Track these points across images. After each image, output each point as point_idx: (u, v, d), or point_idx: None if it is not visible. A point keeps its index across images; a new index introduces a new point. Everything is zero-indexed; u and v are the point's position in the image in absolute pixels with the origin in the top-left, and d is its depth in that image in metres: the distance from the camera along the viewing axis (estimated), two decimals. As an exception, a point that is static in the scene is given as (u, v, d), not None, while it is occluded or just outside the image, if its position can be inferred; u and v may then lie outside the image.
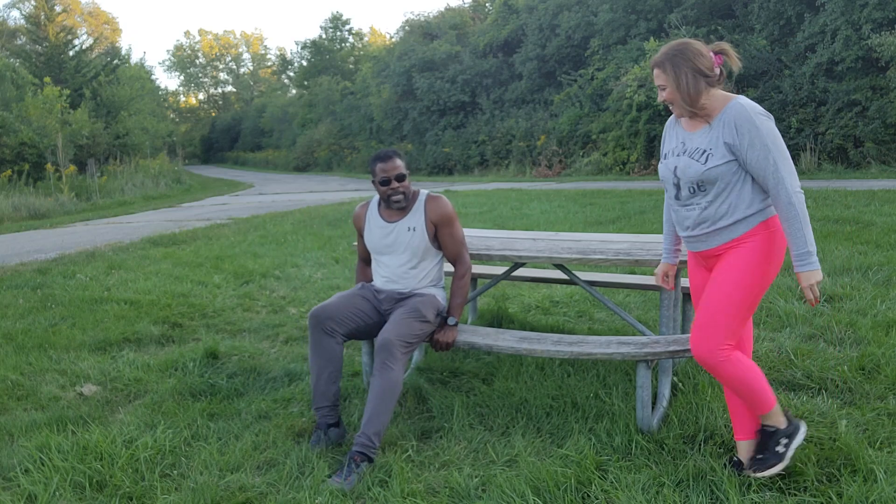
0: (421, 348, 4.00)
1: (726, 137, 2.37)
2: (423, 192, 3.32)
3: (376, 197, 3.37)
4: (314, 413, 3.05)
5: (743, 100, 2.38)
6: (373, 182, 3.23)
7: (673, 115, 2.62)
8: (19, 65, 24.72)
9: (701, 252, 2.55)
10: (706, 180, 2.40)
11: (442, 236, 3.28)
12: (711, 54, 2.42)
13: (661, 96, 2.46)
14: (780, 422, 2.52)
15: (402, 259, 3.25)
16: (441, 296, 3.34)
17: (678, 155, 2.49)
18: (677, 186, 2.50)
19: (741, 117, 2.34)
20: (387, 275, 3.29)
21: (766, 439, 2.51)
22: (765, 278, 2.42)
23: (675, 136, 2.56)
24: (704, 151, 2.40)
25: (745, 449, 2.60)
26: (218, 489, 2.61)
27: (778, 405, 2.53)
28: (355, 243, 3.66)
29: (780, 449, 2.48)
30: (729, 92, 2.47)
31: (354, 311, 3.18)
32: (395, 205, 3.20)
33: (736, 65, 2.43)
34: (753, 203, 2.41)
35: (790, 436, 2.50)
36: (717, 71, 2.42)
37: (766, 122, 2.35)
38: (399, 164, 3.17)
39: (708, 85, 2.40)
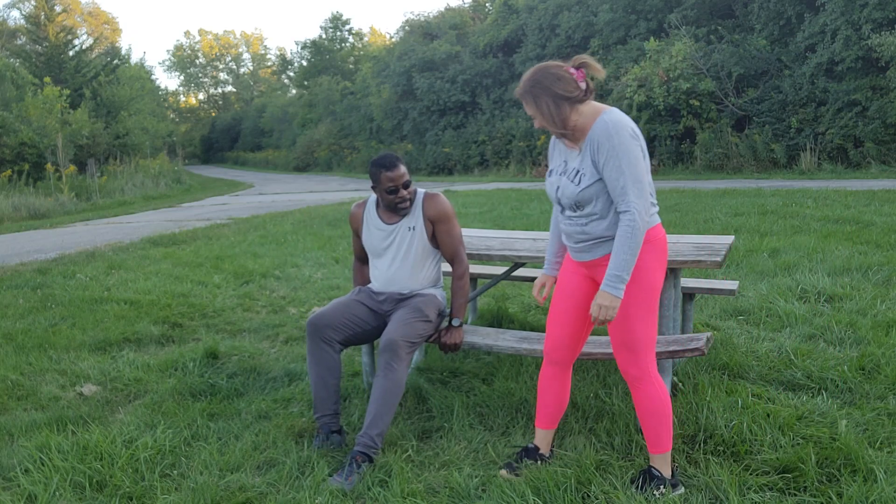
0: (421, 349, 4.00)
1: (593, 156, 2.37)
2: (421, 191, 3.29)
3: (373, 197, 3.33)
4: (315, 421, 3.06)
5: (608, 115, 2.36)
6: (374, 188, 3.17)
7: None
8: (19, 65, 24.72)
9: (582, 262, 2.58)
10: (582, 200, 2.41)
11: (439, 234, 3.26)
12: (572, 71, 2.36)
13: (535, 124, 2.45)
14: (666, 471, 2.50)
15: (400, 260, 3.23)
16: (441, 295, 3.32)
17: (560, 174, 2.51)
18: (560, 204, 2.53)
19: (603, 134, 2.33)
20: (386, 276, 3.27)
21: (648, 481, 2.48)
22: (655, 286, 2.44)
23: (560, 153, 2.57)
24: (578, 172, 2.42)
25: (543, 437, 2.76)
26: (218, 489, 2.61)
27: (670, 455, 2.53)
28: None
29: (657, 493, 2.44)
30: (599, 105, 2.42)
31: (352, 318, 3.15)
32: (402, 211, 3.20)
33: (600, 74, 2.40)
34: None
35: (672, 486, 2.48)
36: (583, 86, 2.37)
37: (625, 140, 2.31)
38: (404, 170, 3.14)
39: (574, 104, 2.37)
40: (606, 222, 2.42)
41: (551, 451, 2.80)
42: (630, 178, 2.31)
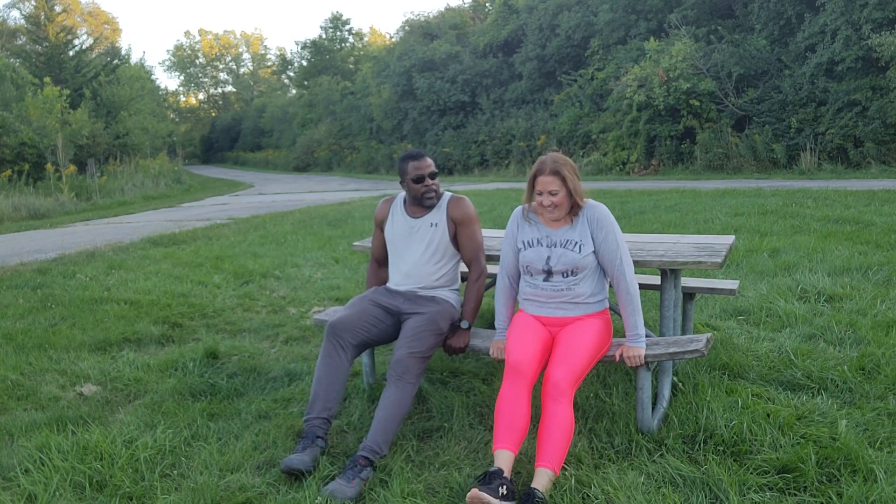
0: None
1: (590, 231, 2.87)
2: (447, 193, 3.38)
3: (402, 194, 3.42)
4: (304, 423, 2.95)
5: (594, 202, 2.91)
6: (401, 182, 3.29)
7: (520, 210, 3.03)
8: (19, 65, 24.71)
9: (553, 318, 2.90)
10: (580, 266, 2.85)
11: (461, 236, 3.30)
12: None
13: (550, 200, 2.80)
14: (546, 495, 2.41)
15: (421, 253, 3.28)
16: (456, 301, 3.35)
17: (549, 246, 2.89)
18: (548, 272, 2.88)
19: (603, 216, 2.87)
20: (405, 270, 3.30)
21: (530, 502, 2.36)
22: (602, 349, 2.86)
23: (534, 230, 2.95)
24: (577, 243, 2.86)
25: (505, 459, 2.49)
26: (218, 489, 2.61)
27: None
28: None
29: None
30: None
31: (370, 320, 3.18)
32: (427, 202, 3.26)
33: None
34: (604, 290, 2.96)
35: None
36: None
37: (616, 224, 2.90)
38: (430, 162, 3.25)
39: None
40: (591, 283, 2.88)
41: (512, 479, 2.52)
42: (625, 253, 2.86)
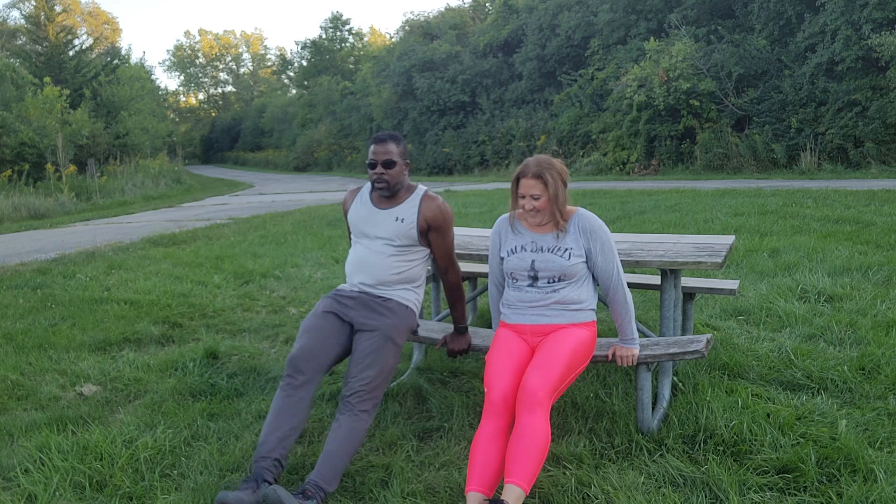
0: (420, 348, 4.00)
1: (582, 240, 2.78)
2: (422, 189, 3.06)
3: (369, 183, 3.11)
4: (252, 462, 2.60)
5: (584, 210, 2.84)
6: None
7: (505, 218, 2.93)
8: (19, 65, 24.69)
9: (536, 325, 2.76)
10: (568, 273, 2.75)
11: (433, 239, 3.02)
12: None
13: (532, 205, 2.71)
14: None
15: (380, 244, 2.98)
16: (417, 301, 3.07)
17: (533, 251, 2.79)
18: (533, 277, 2.78)
19: (595, 226, 2.79)
20: (361, 259, 3.00)
21: None
22: (584, 362, 2.72)
23: (519, 235, 2.86)
24: (566, 249, 2.76)
25: (475, 502, 2.34)
26: (218, 489, 2.61)
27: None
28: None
29: None
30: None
31: (330, 344, 2.86)
32: (378, 191, 2.98)
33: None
34: (593, 300, 2.86)
35: None
36: None
37: (609, 232, 2.82)
38: (391, 149, 2.93)
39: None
40: (579, 290, 2.78)
41: None
42: (618, 261, 2.81)
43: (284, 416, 2.67)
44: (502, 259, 2.88)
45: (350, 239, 3.18)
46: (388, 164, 2.93)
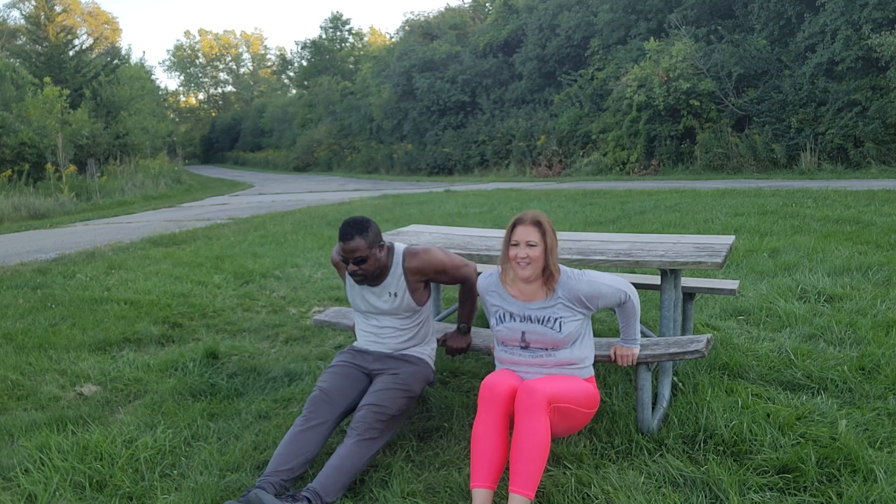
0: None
1: (577, 306, 2.66)
2: (399, 251, 2.97)
3: None
4: (258, 481, 2.56)
5: (568, 271, 2.69)
6: None
7: (495, 278, 2.78)
8: (19, 65, 24.68)
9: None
10: (561, 343, 2.65)
11: (432, 279, 3.00)
12: None
13: (526, 253, 2.58)
14: None
15: (385, 321, 3.01)
16: (431, 356, 3.11)
17: (522, 321, 2.68)
18: (525, 347, 2.68)
19: (584, 286, 2.65)
20: (370, 333, 3.06)
21: None
22: (586, 406, 2.62)
23: (507, 301, 2.73)
24: (556, 320, 2.65)
25: (483, 500, 2.36)
26: (218, 489, 2.61)
27: None
28: None
29: None
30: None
31: (351, 391, 2.89)
32: (360, 284, 2.93)
33: None
34: (591, 356, 2.76)
35: None
36: None
37: (588, 275, 2.69)
38: (359, 245, 2.78)
39: None
40: (576, 350, 2.69)
41: None
42: (612, 283, 2.69)
43: (296, 447, 2.66)
44: (492, 326, 2.78)
45: (346, 288, 3.12)
46: (360, 262, 2.82)
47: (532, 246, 2.59)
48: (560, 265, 2.70)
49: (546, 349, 2.67)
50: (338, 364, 3.00)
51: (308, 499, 2.44)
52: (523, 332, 2.67)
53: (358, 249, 2.79)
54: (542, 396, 2.42)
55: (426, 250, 2.98)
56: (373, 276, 2.89)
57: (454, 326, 3.31)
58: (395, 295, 2.95)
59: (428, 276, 2.98)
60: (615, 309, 2.80)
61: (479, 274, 2.98)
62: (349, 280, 3.05)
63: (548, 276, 2.63)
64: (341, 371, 2.96)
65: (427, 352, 3.09)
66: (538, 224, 2.62)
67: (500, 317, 2.74)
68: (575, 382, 2.61)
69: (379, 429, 2.73)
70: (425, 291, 3.03)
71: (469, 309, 3.16)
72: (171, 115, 56.26)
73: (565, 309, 2.65)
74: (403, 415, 2.88)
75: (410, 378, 2.91)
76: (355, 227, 2.80)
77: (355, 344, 3.14)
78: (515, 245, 2.62)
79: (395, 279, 2.94)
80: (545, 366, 2.67)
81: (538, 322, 2.65)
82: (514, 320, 2.69)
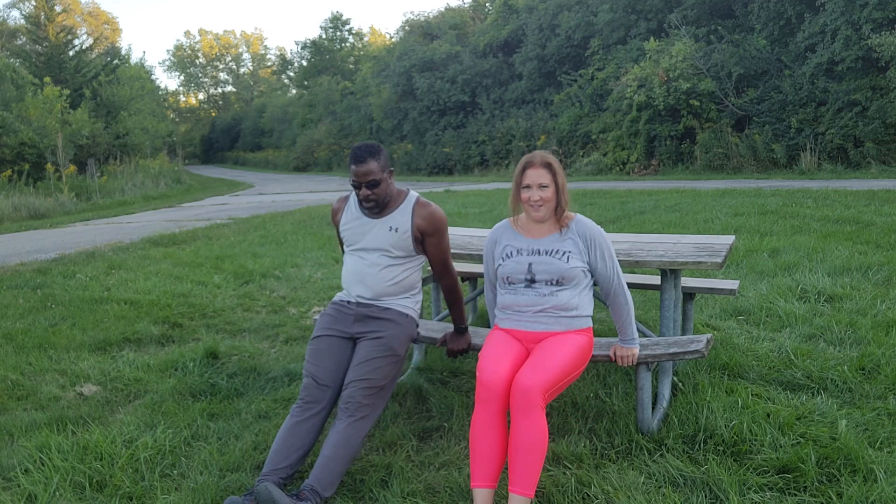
0: (420, 348, 4.00)
1: (580, 245, 2.73)
2: (413, 195, 2.99)
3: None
4: (257, 481, 2.52)
5: (583, 217, 2.79)
6: None
7: (505, 223, 2.86)
8: (19, 65, 24.69)
9: (531, 333, 2.69)
10: (566, 277, 2.68)
11: (429, 246, 2.97)
12: None
13: (539, 195, 2.65)
14: None
15: (376, 256, 2.93)
16: (416, 309, 3.04)
17: (531, 255, 2.73)
18: (530, 280, 2.71)
19: (594, 233, 2.74)
20: (357, 272, 2.95)
21: None
22: (580, 366, 2.65)
23: (517, 239, 2.79)
24: (565, 252, 2.71)
25: (484, 499, 2.36)
26: (218, 489, 2.61)
27: None
28: None
29: None
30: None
31: (339, 367, 2.83)
32: (366, 210, 2.94)
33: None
34: (589, 307, 2.77)
35: None
36: None
37: (608, 239, 2.78)
38: (372, 167, 2.80)
39: None
40: (576, 295, 2.71)
41: None
42: (618, 266, 2.79)
43: (293, 441, 2.64)
44: (498, 266, 2.79)
45: (342, 248, 3.12)
46: (373, 185, 2.83)
47: (544, 187, 2.66)
48: (577, 214, 2.79)
49: (550, 283, 2.68)
50: (321, 335, 2.92)
51: (310, 499, 2.44)
52: (530, 264, 2.70)
53: (371, 172, 2.80)
54: (537, 393, 2.39)
55: (436, 206, 3.00)
56: (382, 204, 2.91)
57: (453, 327, 3.31)
58: (396, 230, 2.92)
59: (425, 232, 2.94)
60: (608, 305, 2.82)
61: (464, 281, 2.95)
62: (348, 214, 3.01)
63: (560, 213, 2.72)
64: (326, 347, 2.87)
65: (411, 305, 3.01)
66: (548, 165, 2.68)
67: (507, 254, 2.77)
68: (566, 350, 2.57)
69: (369, 404, 2.70)
70: (420, 247, 2.98)
71: (460, 310, 3.12)
72: (171, 115, 56.26)
73: (574, 245, 2.71)
74: (392, 381, 2.83)
75: (394, 341, 2.84)
76: (368, 151, 2.83)
77: (338, 296, 3.07)
78: (527, 188, 2.68)
79: (402, 216, 2.93)
80: (547, 310, 2.67)
81: (546, 254, 2.71)
82: (522, 254, 2.74)
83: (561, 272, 2.67)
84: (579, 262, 2.71)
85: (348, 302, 2.99)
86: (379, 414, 2.78)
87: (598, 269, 2.75)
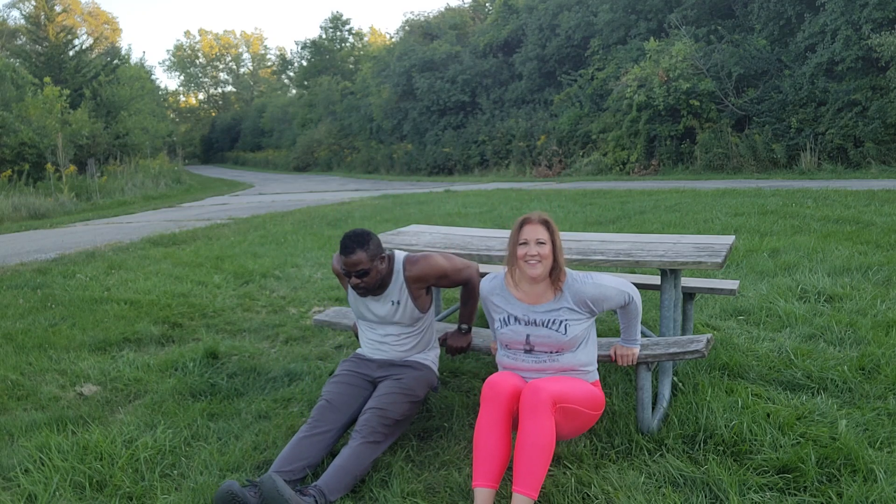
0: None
1: (577, 309, 2.65)
2: (399, 260, 2.98)
3: None
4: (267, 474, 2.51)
5: (573, 273, 2.70)
6: None
7: (500, 281, 2.77)
8: (19, 65, 24.68)
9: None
10: (566, 346, 2.64)
11: (434, 283, 3.01)
12: None
13: (535, 251, 2.59)
14: None
15: (388, 329, 3.02)
16: (435, 361, 3.13)
17: (527, 324, 2.66)
18: (529, 349, 2.67)
19: (587, 293, 2.64)
20: (374, 342, 3.07)
21: None
22: (589, 407, 2.59)
23: (511, 305, 2.72)
24: (562, 322, 2.64)
25: (485, 499, 2.35)
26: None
27: None
28: None
29: None
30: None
31: (355, 399, 2.90)
32: (363, 295, 2.95)
33: None
34: (594, 361, 2.74)
35: None
36: None
37: (594, 277, 2.69)
38: (361, 258, 2.79)
39: None
40: (580, 354, 2.67)
41: None
42: (617, 286, 2.68)
43: (298, 451, 2.68)
44: (496, 328, 2.76)
45: (348, 298, 3.12)
46: (362, 275, 2.83)
47: (542, 244, 2.61)
48: (566, 269, 2.70)
49: (550, 352, 2.65)
50: (342, 373, 3.02)
51: (314, 497, 2.46)
52: (528, 336, 2.66)
53: (360, 263, 2.80)
54: (548, 396, 2.40)
55: (426, 257, 2.99)
56: (375, 287, 2.91)
57: (454, 326, 3.31)
58: (398, 304, 2.96)
59: (430, 283, 2.99)
60: (617, 310, 2.80)
61: (482, 275, 2.97)
62: (352, 291, 3.04)
63: (556, 274, 2.65)
64: (346, 380, 2.97)
65: (430, 357, 3.11)
66: (546, 223, 2.65)
67: (503, 320, 2.72)
68: (580, 384, 2.61)
69: (383, 433, 2.75)
70: (427, 297, 3.04)
71: (471, 309, 3.16)
72: (171, 115, 56.25)
73: (570, 312, 2.65)
74: (407, 419, 2.89)
75: (414, 383, 2.92)
76: (356, 241, 2.80)
77: (359, 351, 3.16)
78: (524, 244, 2.62)
79: (397, 288, 2.95)
80: (548, 371, 2.65)
81: (543, 325, 2.65)
82: (519, 323, 2.68)
83: (560, 344, 2.64)
84: (578, 325, 2.65)
85: (371, 359, 3.08)
86: (389, 444, 2.81)
87: (605, 309, 2.72)
